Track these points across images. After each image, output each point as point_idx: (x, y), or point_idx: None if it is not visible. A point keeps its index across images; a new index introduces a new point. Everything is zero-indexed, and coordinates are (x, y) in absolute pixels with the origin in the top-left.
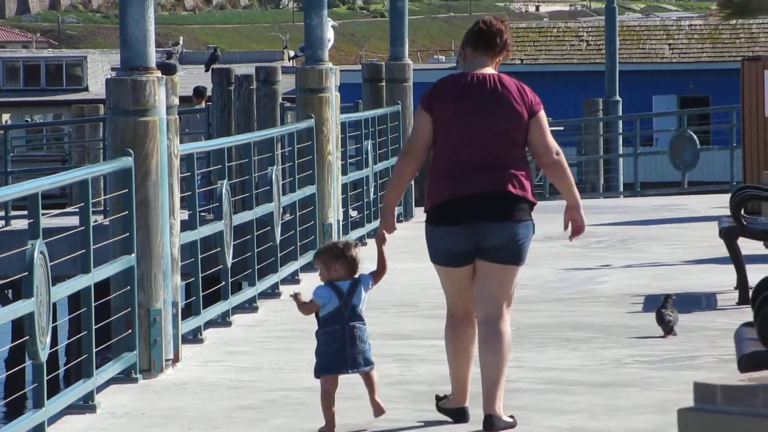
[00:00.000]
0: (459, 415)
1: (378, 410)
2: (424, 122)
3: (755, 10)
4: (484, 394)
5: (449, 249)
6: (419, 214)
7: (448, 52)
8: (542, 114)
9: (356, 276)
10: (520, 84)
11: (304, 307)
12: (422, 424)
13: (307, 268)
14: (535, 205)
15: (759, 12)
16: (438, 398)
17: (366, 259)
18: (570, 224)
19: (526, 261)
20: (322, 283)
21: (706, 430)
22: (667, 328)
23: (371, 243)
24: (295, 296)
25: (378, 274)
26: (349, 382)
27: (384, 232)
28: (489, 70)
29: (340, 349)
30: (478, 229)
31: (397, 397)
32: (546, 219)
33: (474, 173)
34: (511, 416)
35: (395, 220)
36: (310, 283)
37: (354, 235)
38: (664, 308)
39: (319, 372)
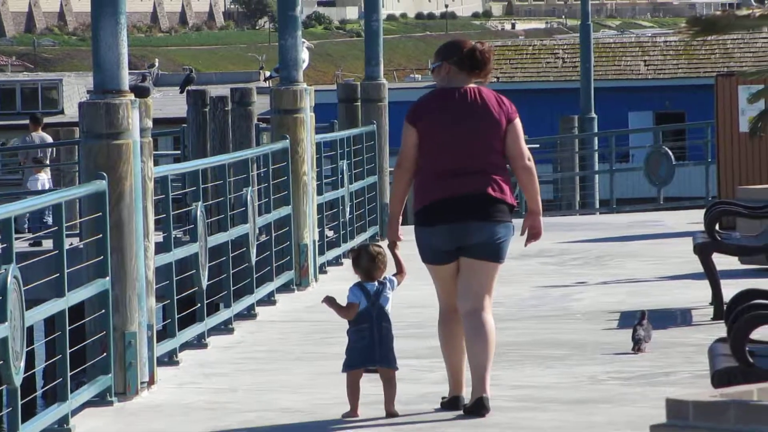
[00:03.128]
0: (454, 403)
1: (390, 416)
2: (410, 136)
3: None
4: (475, 380)
5: (436, 247)
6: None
7: (425, 70)
8: (518, 122)
9: (382, 279)
10: (497, 94)
11: (343, 311)
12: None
13: (283, 289)
14: (514, 208)
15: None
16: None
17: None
18: (528, 230)
19: (505, 260)
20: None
21: None
22: (635, 345)
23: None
24: (330, 302)
25: (399, 276)
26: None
27: (392, 239)
28: (469, 85)
29: (369, 344)
30: (460, 228)
31: (374, 416)
32: (521, 237)
33: (457, 178)
34: None
35: (399, 227)
36: (287, 305)
37: (331, 254)
38: (640, 325)
39: (347, 367)
